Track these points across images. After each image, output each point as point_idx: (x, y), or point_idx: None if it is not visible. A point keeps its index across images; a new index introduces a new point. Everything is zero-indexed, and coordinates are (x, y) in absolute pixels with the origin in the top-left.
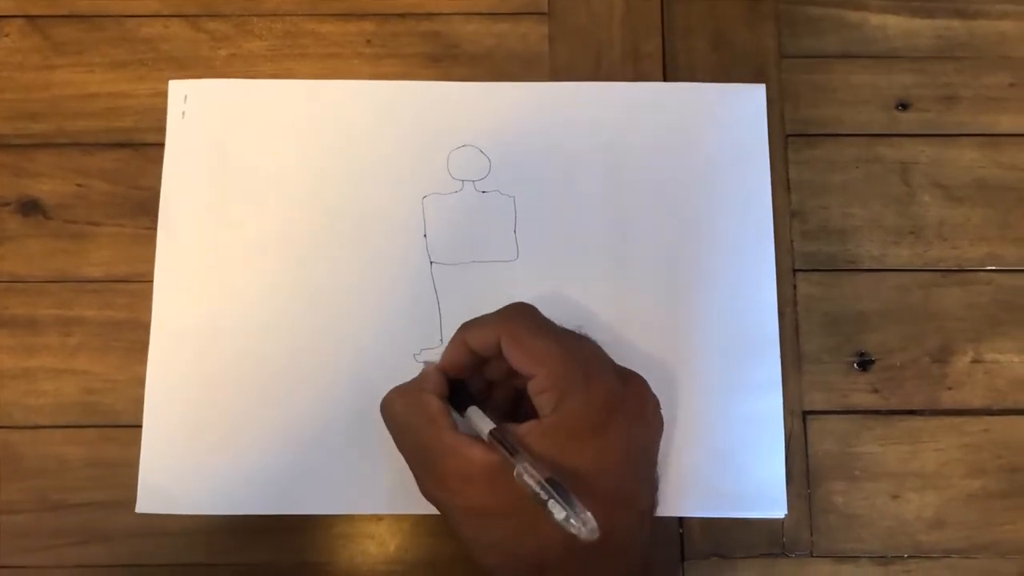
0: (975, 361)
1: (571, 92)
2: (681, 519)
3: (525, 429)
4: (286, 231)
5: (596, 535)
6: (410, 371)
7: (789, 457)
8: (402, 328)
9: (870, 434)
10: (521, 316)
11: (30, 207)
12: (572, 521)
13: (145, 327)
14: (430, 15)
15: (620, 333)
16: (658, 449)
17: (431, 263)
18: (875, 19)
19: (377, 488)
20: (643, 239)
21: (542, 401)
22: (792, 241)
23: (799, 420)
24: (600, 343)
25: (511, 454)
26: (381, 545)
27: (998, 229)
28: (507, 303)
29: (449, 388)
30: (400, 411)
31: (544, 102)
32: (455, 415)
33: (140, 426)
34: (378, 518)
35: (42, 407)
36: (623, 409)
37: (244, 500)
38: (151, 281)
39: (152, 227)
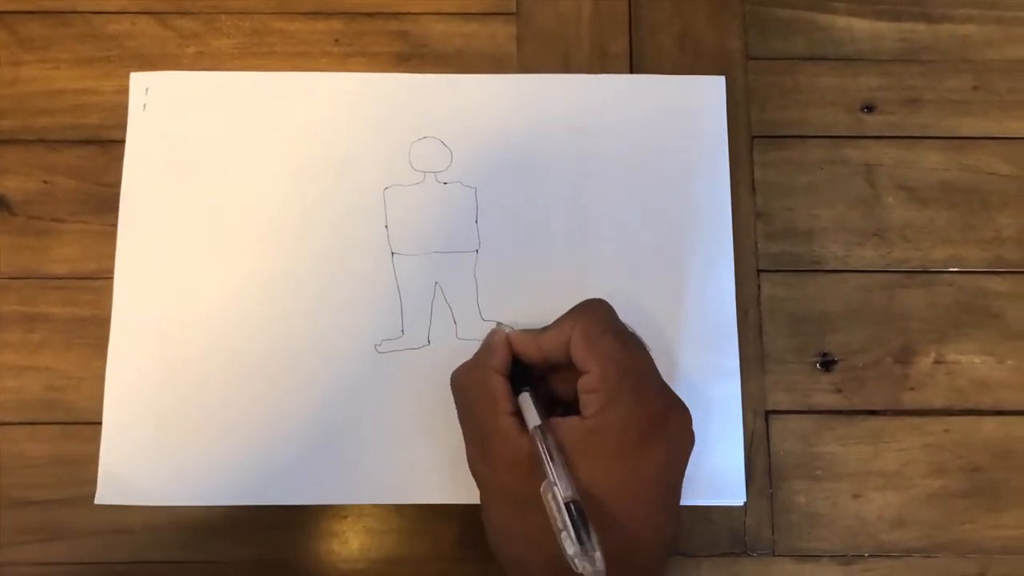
0: (937, 362)
1: (533, 84)
2: None
3: (568, 425)
4: (247, 223)
5: None
6: (372, 363)
7: (752, 456)
8: (364, 319)
9: (832, 434)
10: (596, 312)
11: None
12: (577, 561)
13: (109, 323)
14: (398, 14)
15: None
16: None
17: (392, 254)
18: (841, 21)
19: (339, 479)
20: (604, 230)
21: (588, 400)
22: (757, 242)
23: (762, 419)
24: None
25: (548, 458)
26: (344, 543)
27: (961, 231)
28: (469, 293)
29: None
30: (466, 386)
31: (506, 94)
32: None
33: (102, 423)
34: (342, 516)
35: (4, 404)
36: (665, 433)
37: (204, 491)
38: None
39: (117, 224)
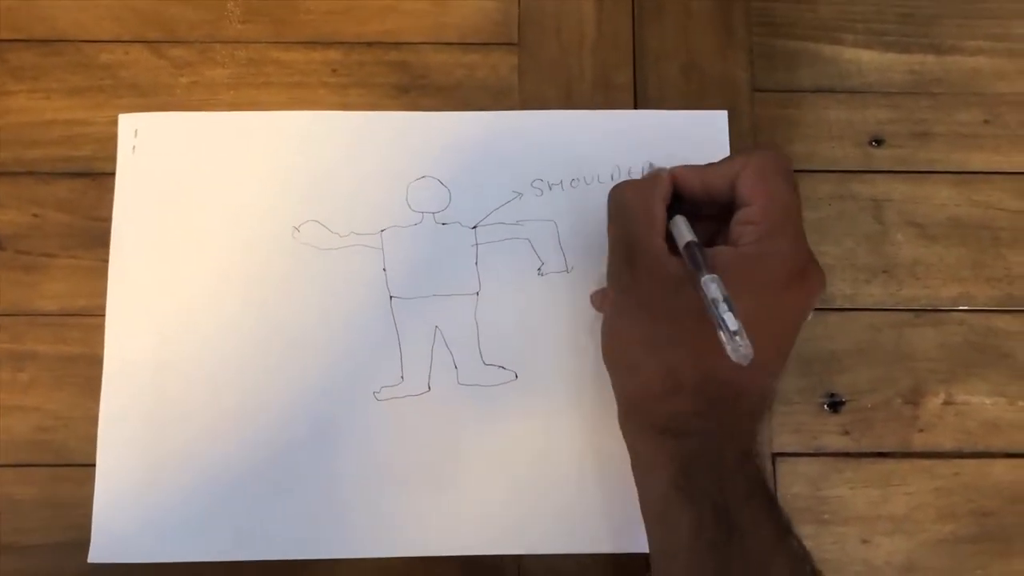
0: (946, 403)
1: (532, 120)
2: (648, 561)
3: (718, 251)
4: (241, 264)
5: (748, 360)
6: (372, 410)
7: None
8: (362, 364)
9: (840, 476)
10: (774, 154)
11: None
12: (738, 338)
13: (100, 362)
14: (398, 44)
15: (583, 362)
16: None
17: (391, 297)
18: (849, 53)
19: (339, 530)
20: (606, 270)
21: (743, 231)
22: None
23: (769, 462)
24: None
25: (696, 268)
26: None
27: (971, 269)
28: (470, 337)
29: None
30: (628, 200)
31: (505, 131)
32: None
33: (94, 465)
34: (338, 564)
35: None
36: (806, 282)
37: (201, 547)
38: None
39: (109, 260)
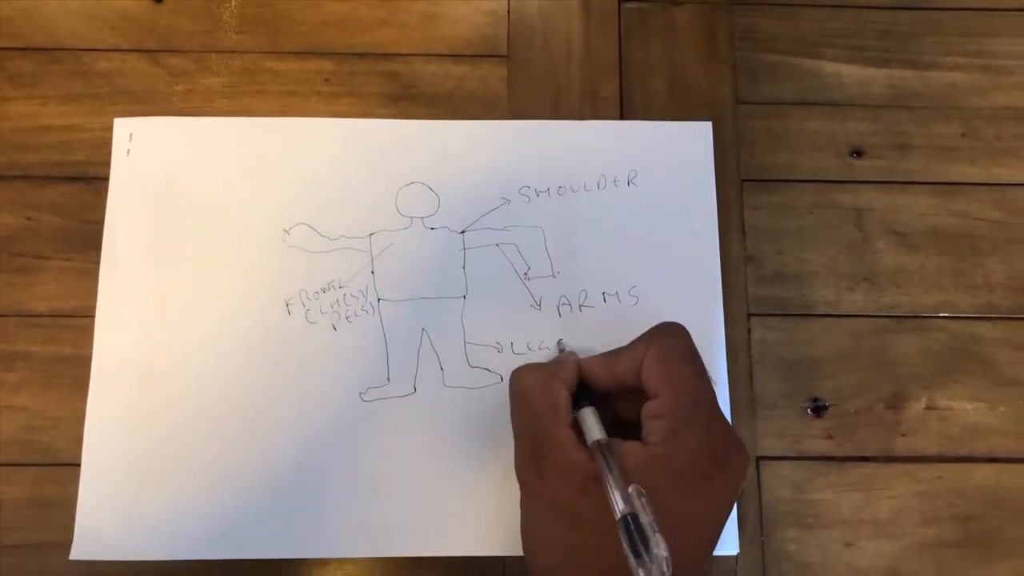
0: (928, 408)
1: (519, 130)
2: None
3: (627, 449)
4: (231, 268)
5: None
6: (357, 411)
7: (743, 503)
8: (349, 365)
9: (824, 480)
10: (672, 336)
11: None
12: (641, 571)
13: (90, 363)
14: (389, 55)
15: None
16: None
17: (378, 300)
18: (830, 67)
19: (322, 531)
20: (591, 276)
21: (654, 426)
22: (747, 286)
23: (753, 466)
24: None
25: (608, 472)
26: None
27: (951, 276)
28: (456, 339)
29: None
30: (528, 387)
31: (493, 140)
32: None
33: (80, 465)
34: (323, 564)
35: None
36: (725, 472)
37: (183, 544)
38: None
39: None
